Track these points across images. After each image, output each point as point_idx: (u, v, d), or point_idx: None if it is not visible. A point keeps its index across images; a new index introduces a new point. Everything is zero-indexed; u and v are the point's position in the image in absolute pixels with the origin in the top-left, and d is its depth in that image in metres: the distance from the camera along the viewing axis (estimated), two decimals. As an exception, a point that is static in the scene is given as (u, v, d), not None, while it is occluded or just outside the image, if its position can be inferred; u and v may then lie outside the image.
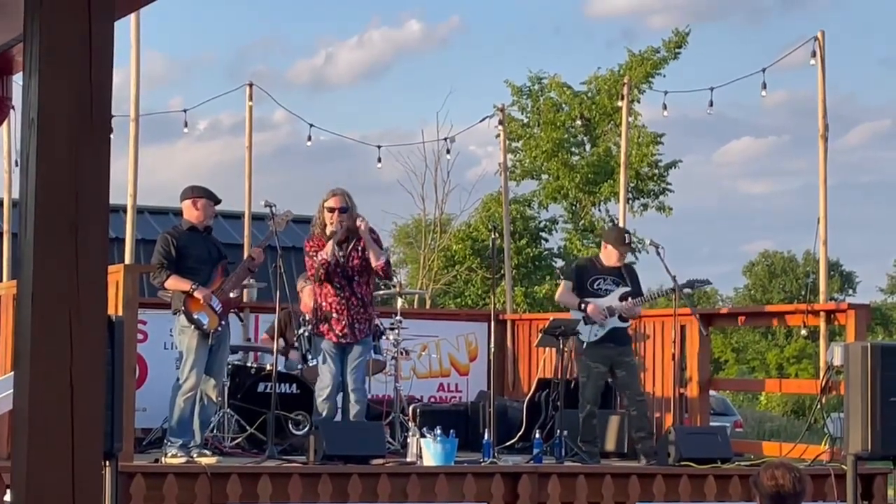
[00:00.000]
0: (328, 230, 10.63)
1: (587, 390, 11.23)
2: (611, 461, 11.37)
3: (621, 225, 14.92)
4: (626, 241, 11.54)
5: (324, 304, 10.66)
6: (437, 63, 67.37)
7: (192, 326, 10.09)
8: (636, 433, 11.26)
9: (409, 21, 68.96)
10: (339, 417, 10.64)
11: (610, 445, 11.82)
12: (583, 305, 11.28)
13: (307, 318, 11.77)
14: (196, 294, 10.14)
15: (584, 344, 11.26)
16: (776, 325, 18.01)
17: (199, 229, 10.49)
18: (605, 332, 11.22)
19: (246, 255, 12.22)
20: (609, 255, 11.46)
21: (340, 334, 10.57)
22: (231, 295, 10.42)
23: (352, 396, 10.55)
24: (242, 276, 10.59)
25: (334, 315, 10.57)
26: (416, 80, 69.26)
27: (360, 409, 10.59)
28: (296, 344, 11.80)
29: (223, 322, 10.25)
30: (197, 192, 10.55)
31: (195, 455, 9.88)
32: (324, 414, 10.51)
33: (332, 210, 10.65)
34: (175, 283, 10.22)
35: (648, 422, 11.32)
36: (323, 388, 10.57)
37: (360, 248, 10.64)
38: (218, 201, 10.62)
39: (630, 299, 11.24)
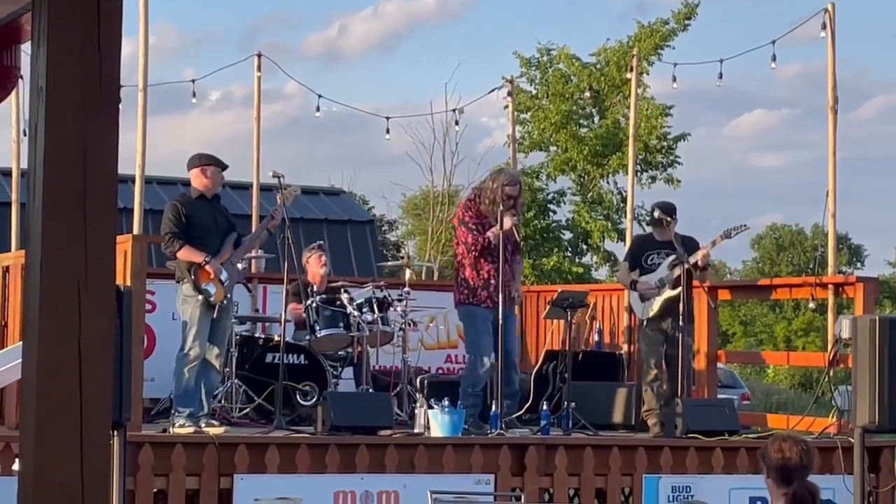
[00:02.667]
0: (506, 216, 10.79)
1: (650, 357, 11.39)
2: (618, 433, 11.38)
3: (630, 197, 14.90)
4: (657, 216, 11.58)
5: (474, 273, 10.92)
6: (451, 35, 67.26)
7: (197, 296, 10.08)
8: (663, 406, 11.29)
9: (423, -8, 68.76)
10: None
11: (617, 417, 11.83)
12: (633, 285, 11.50)
13: (315, 288, 11.78)
14: (208, 267, 10.13)
15: (644, 321, 11.36)
16: (785, 297, 17.99)
17: (207, 197, 10.46)
18: (659, 306, 11.29)
19: (254, 226, 12.24)
20: (657, 230, 11.61)
21: (497, 301, 10.74)
22: (239, 266, 10.42)
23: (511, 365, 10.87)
24: (260, 238, 10.61)
25: (493, 282, 10.77)
26: (429, 52, 69.21)
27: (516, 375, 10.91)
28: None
29: (229, 295, 10.25)
30: (205, 160, 10.50)
31: (203, 425, 9.90)
32: (478, 387, 10.80)
33: (512, 197, 10.88)
34: (187, 254, 10.18)
35: (673, 399, 11.28)
36: (482, 360, 10.87)
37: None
38: (225, 167, 10.57)
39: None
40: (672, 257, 11.32)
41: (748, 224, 11.76)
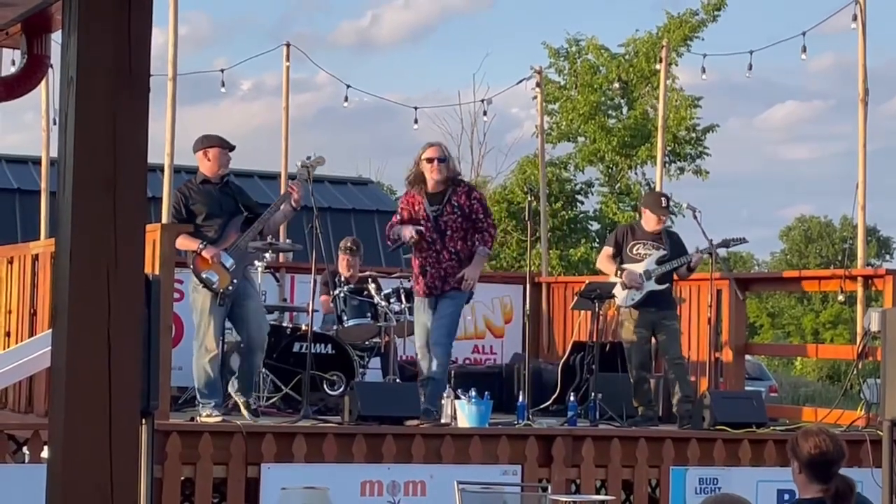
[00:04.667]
0: (430, 181, 10.56)
1: (633, 356, 11.25)
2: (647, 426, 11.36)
3: (658, 188, 14.87)
4: (664, 204, 11.43)
5: (415, 258, 10.69)
6: (483, 25, 67.10)
7: (203, 286, 10.04)
8: (674, 396, 11.27)
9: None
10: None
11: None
12: (619, 273, 11.28)
13: (343, 278, 11.79)
14: (204, 253, 9.97)
15: (623, 309, 11.28)
16: (814, 290, 17.93)
17: (212, 181, 10.26)
18: (641, 297, 11.20)
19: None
20: (648, 220, 11.42)
21: (430, 286, 10.55)
22: (254, 247, 10.23)
23: (432, 351, 10.59)
24: (283, 214, 10.27)
25: (428, 269, 10.56)
26: (460, 42, 69.13)
27: (439, 364, 10.57)
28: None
29: (235, 280, 10.01)
30: (206, 142, 10.30)
31: (246, 409, 9.91)
32: (430, 373, 10.56)
33: (430, 160, 10.56)
34: (183, 243, 10.00)
35: (687, 385, 11.28)
36: (416, 349, 10.75)
37: (454, 203, 10.57)
38: (231, 148, 10.33)
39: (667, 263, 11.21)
40: (662, 252, 11.26)
41: (747, 238, 11.77)
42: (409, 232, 10.51)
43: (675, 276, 11.43)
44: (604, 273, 11.80)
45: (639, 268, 11.26)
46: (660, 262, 11.25)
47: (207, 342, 9.97)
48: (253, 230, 10.18)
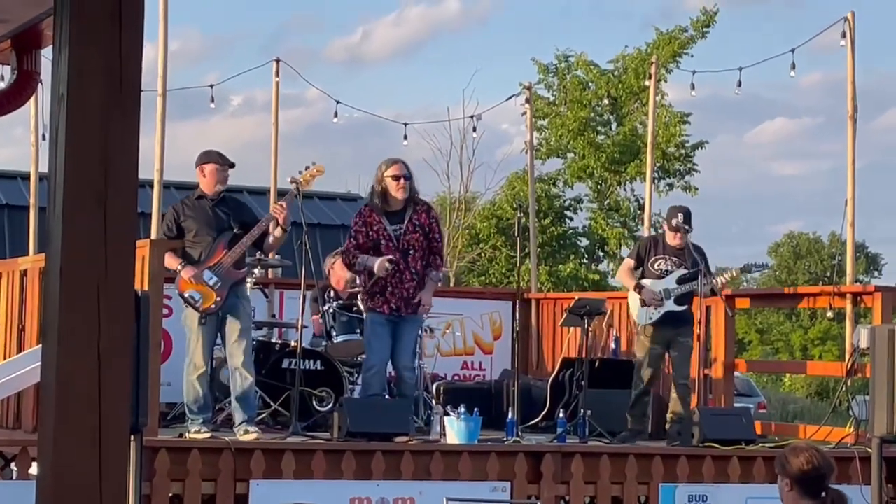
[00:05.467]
0: (395, 199, 10.41)
1: (643, 370, 11.25)
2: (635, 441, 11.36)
3: (647, 204, 14.89)
4: (681, 220, 11.31)
5: (370, 277, 10.42)
6: (474, 41, 67.23)
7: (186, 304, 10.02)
8: (669, 414, 11.27)
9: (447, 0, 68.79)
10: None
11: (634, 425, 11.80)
12: (638, 289, 11.26)
13: (332, 294, 11.78)
14: (182, 274, 9.98)
15: (640, 326, 11.27)
16: (803, 306, 17.97)
17: (209, 197, 10.25)
18: (659, 316, 11.18)
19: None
20: (670, 236, 11.34)
21: (395, 307, 10.43)
22: (246, 262, 10.19)
23: (403, 375, 10.52)
24: (274, 237, 10.22)
25: (390, 288, 10.38)
26: (451, 58, 69.21)
27: (411, 388, 10.57)
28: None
29: (218, 299, 9.97)
30: (204, 158, 10.29)
31: (241, 433, 9.83)
32: (369, 390, 10.42)
33: (397, 178, 10.38)
34: (167, 261, 9.99)
35: (685, 406, 11.24)
36: (371, 364, 10.47)
37: (417, 223, 10.47)
38: (230, 164, 10.30)
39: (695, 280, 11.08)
40: (683, 271, 11.20)
41: (768, 264, 11.76)
42: (382, 265, 10.25)
43: (696, 295, 11.27)
44: (623, 285, 11.75)
45: (658, 285, 11.22)
46: (680, 281, 11.18)
47: (196, 359, 9.99)
48: (236, 250, 10.10)
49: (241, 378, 10.03)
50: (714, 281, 11.22)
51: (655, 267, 11.28)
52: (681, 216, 11.31)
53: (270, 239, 10.33)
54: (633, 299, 11.34)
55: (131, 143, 3.25)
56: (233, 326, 10.08)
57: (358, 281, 10.89)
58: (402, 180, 10.40)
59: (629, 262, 11.55)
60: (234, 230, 10.20)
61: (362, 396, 10.59)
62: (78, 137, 3.21)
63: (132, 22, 3.24)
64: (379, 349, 10.45)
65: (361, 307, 11.45)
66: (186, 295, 9.99)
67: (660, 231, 12.09)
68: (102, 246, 3.22)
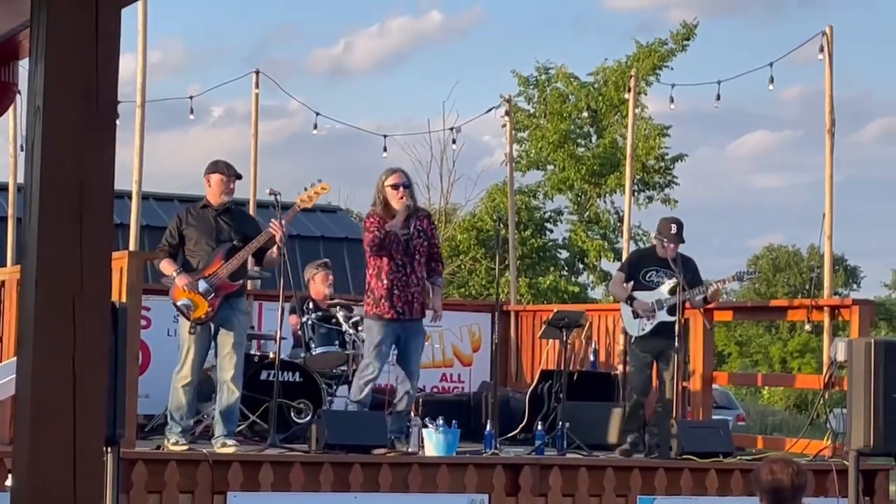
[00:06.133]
0: (398, 208, 10.45)
1: (634, 379, 11.30)
2: (613, 453, 11.37)
3: (626, 217, 14.92)
4: (673, 231, 11.35)
5: (377, 281, 10.45)
6: (456, 53, 67.28)
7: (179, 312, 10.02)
8: (650, 426, 11.29)
9: (430, 11, 68.84)
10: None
11: (612, 438, 11.82)
12: (629, 301, 11.29)
13: (311, 305, 11.77)
14: (176, 280, 9.96)
15: (633, 337, 11.30)
16: (781, 319, 18.04)
17: (213, 207, 10.26)
18: (652, 328, 11.21)
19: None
20: (660, 247, 11.36)
21: (400, 311, 10.43)
22: (247, 275, 10.19)
23: (410, 382, 10.54)
24: (268, 257, 10.20)
25: (396, 292, 10.43)
26: (433, 70, 69.24)
27: (411, 398, 10.59)
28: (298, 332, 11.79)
29: (210, 310, 9.94)
30: (211, 169, 10.31)
31: (219, 446, 9.80)
32: (361, 397, 10.42)
33: (396, 186, 10.49)
34: (164, 267, 10.05)
35: (666, 419, 11.25)
36: (369, 371, 10.44)
37: (420, 228, 10.55)
38: (236, 176, 10.31)
39: (686, 290, 11.12)
40: (673, 281, 11.23)
41: (759, 272, 11.79)
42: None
43: (688, 304, 11.39)
44: (615, 297, 11.79)
45: (650, 296, 11.25)
46: (672, 291, 11.21)
47: (184, 368, 9.96)
48: (232, 262, 10.08)
49: (227, 392, 10.02)
50: (706, 290, 11.26)
51: (647, 279, 11.33)
52: (674, 227, 11.36)
53: (269, 257, 10.31)
54: (626, 312, 11.38)
55: (107, 156, 3.26)
56: (225, 339, 10.07)
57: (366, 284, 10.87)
58: (401, 189, 10.52)
59: (620, 276, 11.62)
60: (234, 242, 10.19)
61: (353, 402, 10.55)
62: (54, 150, 3.21)
63: (108, 36, 3.24)
64: (386, 354, 10.53)
65: (340, 318, 11.46)
66: (179, 303, 9.96)
67: (647, 243, 12.12)
68: (78, 258, 3.22)
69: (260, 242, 10.14)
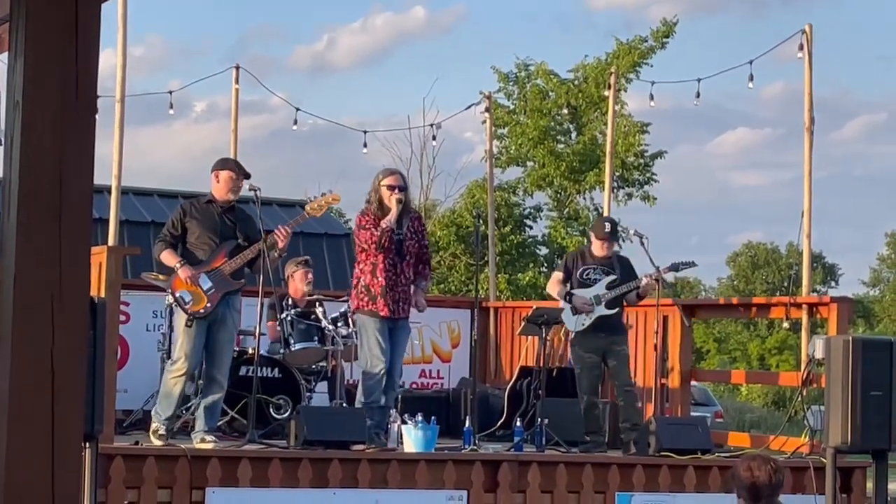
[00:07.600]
0: (392, 206, 10.49)
1: (583, 381, 11.32)
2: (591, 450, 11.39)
3: (606, 213, 14.93)
4: (607, 230, 11.52)
5: (372, 279, 10.48)
6: (439, 50, 67.31)
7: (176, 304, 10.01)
8: (622, 423, 11.31)
9: (414, 7, 68.83)
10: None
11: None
12: (568, 297, 11.34)
13: (290, 302, 11.75)
14: (179, 272, 9.96)
15: (573, 334, 11.33)
16: (760, 317, 18.08)
17: (218, 203, 10.24)
18: (591, 322, 11.26)
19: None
20: (596, 246, 11.52)
21: (392, 309, 10.47)
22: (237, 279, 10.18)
23: (395, 380, 10.59)
24: (269, 258, 10.15)
25: (390, 289, 10.46)
26: (415, 66, 69.28)
27: (394, 395, 10.63)
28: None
29: (209, 304, 9.96)
30: (220, 165, 10.32)
31: (198, 441, 9.79)
32: (372, 396, 10.42)
33: (392, 188, 10.55)
34: (165, 258, 10.04)
35: (636, 413, 11.33)
36: (378, 367, 10.43)
37: (412, 229, 10.62)
38: (245, 175, 10.29)
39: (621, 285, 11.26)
40: (612, 277, 11.34)
41: (696, 262, 11.87)
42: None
43: (625, 302, 11.48)
44: (553, 298, 11.85)
45: (588, 292, 11.33)
46: (609, 286, 11.31)
47: (179, 360, 9.94)
48: (236, 260, 10.08)
49: (214, 387, 10.05)
50: (639, 283, 11.34)
51: (584, 276, 11.43)
52: (608, 226, 11.57)
53: (268, 262, 10.25)
54: (566, 309, 11.44)
55: (86, 152, 3.25)
56: (218, 336, 10.08)
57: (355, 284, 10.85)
58: (396, 191, 10.57)
59: (558, 275, 11.69)
60: (238, 240, 10.20)
61: (366, 403, 10.53)
62: (33, 146, 3.21)
63: (88, 31, 3.23)
64: (387, 351, 10.49)
65: (319, 315, 11.45)
66: (177, 294, 9.94)
67: (629, 241, 12.22)
68: (57, 254, 3.21)
69: (264, 247, 10.15)
